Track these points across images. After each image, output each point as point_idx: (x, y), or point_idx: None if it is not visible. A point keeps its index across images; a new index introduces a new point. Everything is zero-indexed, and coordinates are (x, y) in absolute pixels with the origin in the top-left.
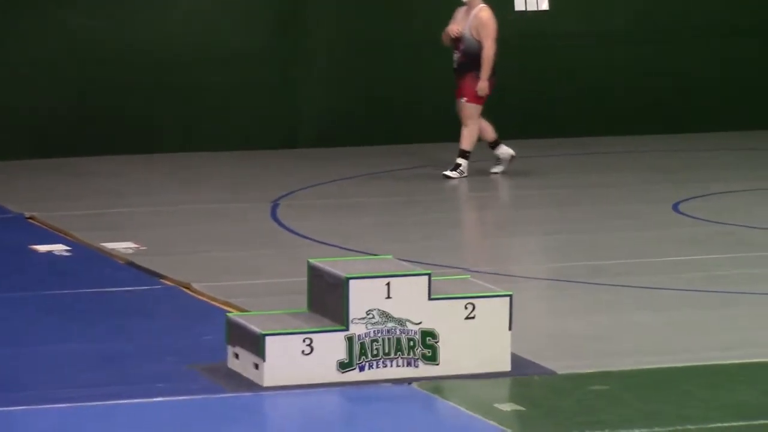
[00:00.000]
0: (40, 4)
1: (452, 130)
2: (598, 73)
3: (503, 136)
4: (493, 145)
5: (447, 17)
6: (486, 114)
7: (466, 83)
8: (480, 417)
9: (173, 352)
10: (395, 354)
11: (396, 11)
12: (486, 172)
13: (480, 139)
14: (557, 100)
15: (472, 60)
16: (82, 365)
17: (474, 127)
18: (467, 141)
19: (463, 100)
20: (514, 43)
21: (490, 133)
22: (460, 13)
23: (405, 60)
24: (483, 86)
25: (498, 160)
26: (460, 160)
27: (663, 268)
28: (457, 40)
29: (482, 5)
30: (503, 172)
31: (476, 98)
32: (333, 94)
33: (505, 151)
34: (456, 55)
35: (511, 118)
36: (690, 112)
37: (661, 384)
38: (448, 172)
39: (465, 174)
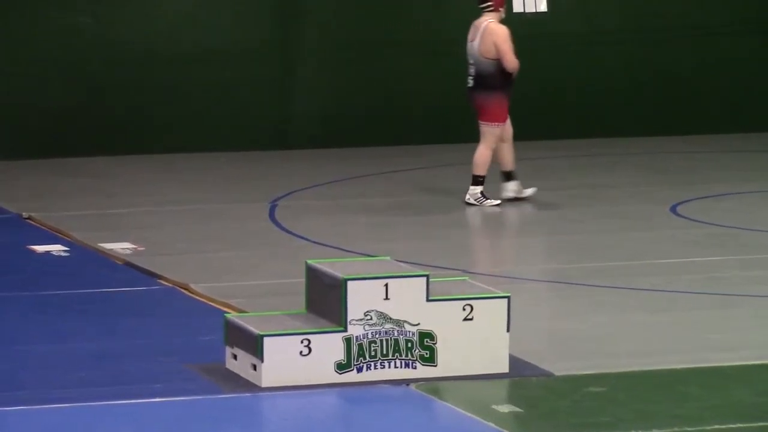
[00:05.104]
0: (36, 5)
1: (448, 131)
2: (596, 75)
3: None
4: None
5: (443, 18)
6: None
7: None
8: (478, 418)
9: (171, 353)
10: (393, 355)
11: (392, 12)
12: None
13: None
14: (556, 101)
15: None
16: (79, 365)
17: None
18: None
19: None
20: (513, 45)
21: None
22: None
23: (401, 61)
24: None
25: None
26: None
27: (661, 269)
28: None
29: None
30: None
31: None
32: (329, 95)
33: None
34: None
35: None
36: (689, 113)
37: (658, 385)
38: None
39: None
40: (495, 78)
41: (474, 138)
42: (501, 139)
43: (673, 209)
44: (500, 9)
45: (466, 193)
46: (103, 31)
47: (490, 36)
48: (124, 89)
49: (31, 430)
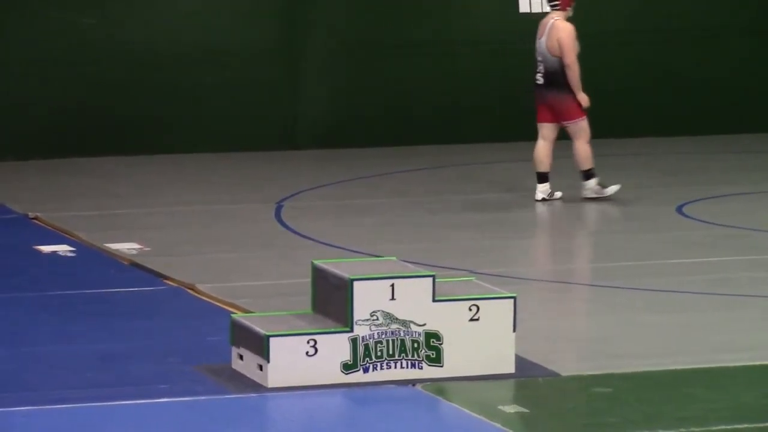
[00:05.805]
0: (36, 5)
1: (453, 132)
2: (602, 75)
3: (508, 139)
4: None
5: (445, 19)
6: (489, 115)
7: None
8: (484, 419)
9: (177, 353)
10: (399, 355)
11: (397, 13)
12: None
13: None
14: None
15: None
16: (85, 366)
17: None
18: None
19: None
20: (519, 46)
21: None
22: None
23: (406, 61)
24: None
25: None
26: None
27: (667, 270)
28: None
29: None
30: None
31: None
32: (334, 96)
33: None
34: None
35: (514, 120)
36: (695, 114)
37: (664, 386)
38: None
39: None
40: (563, 76)
41: (481, 138)
42: (542, 136)
43: (680, 210)
44: (567, 8)
45: (583, 190)
46: (105, 30)
47: (555, 32)
48: (126, 89)
49: (37, 431)
